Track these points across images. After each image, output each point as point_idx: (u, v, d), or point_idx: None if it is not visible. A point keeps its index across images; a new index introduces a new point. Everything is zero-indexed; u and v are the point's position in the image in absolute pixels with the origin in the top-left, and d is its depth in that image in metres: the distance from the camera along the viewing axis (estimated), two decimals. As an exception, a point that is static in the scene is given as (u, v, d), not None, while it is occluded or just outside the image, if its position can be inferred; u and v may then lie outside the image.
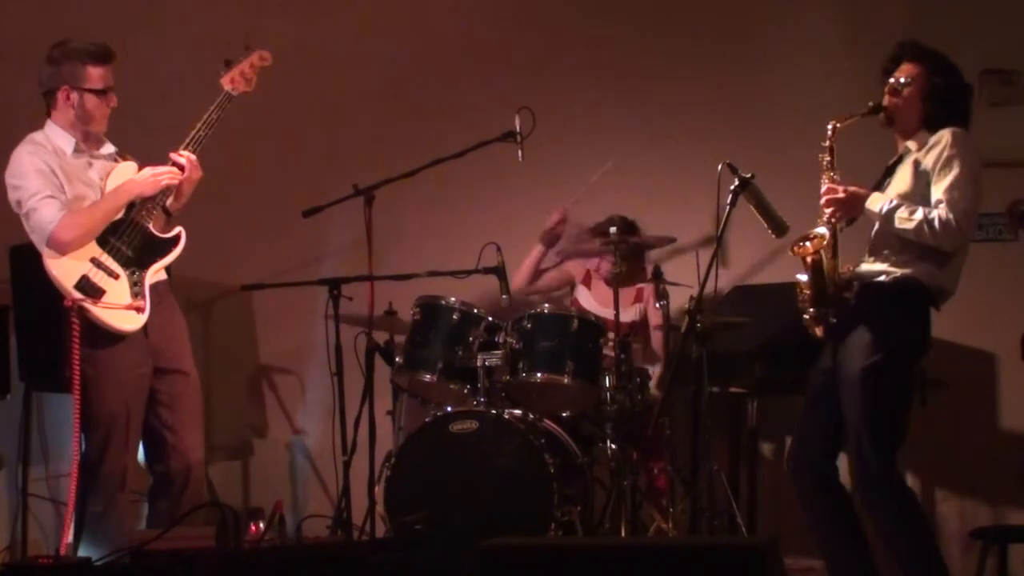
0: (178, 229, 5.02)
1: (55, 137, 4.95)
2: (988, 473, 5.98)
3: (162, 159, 5.02)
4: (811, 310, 4.66)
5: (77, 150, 4.97)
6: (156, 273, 4.95)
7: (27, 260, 5.11)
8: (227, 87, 5.18)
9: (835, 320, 4.63)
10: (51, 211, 4.81)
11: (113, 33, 6.32)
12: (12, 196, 4.89)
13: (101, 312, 4.78)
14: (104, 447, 4.85)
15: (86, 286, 4.79)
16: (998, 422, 6.06)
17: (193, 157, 5.00)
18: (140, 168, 5.02)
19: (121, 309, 4.82)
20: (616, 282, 5.56)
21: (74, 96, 4.93)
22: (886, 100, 4.73)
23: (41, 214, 4.82)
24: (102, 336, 4.80)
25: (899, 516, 4.60)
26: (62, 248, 4.80)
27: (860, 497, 4.68)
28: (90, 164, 4.99)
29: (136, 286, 4.87)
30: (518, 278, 6.01)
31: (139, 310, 4.85)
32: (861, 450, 4.59)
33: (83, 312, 4.74)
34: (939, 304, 4.68)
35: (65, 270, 4.80)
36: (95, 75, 4.94)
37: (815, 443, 4.76)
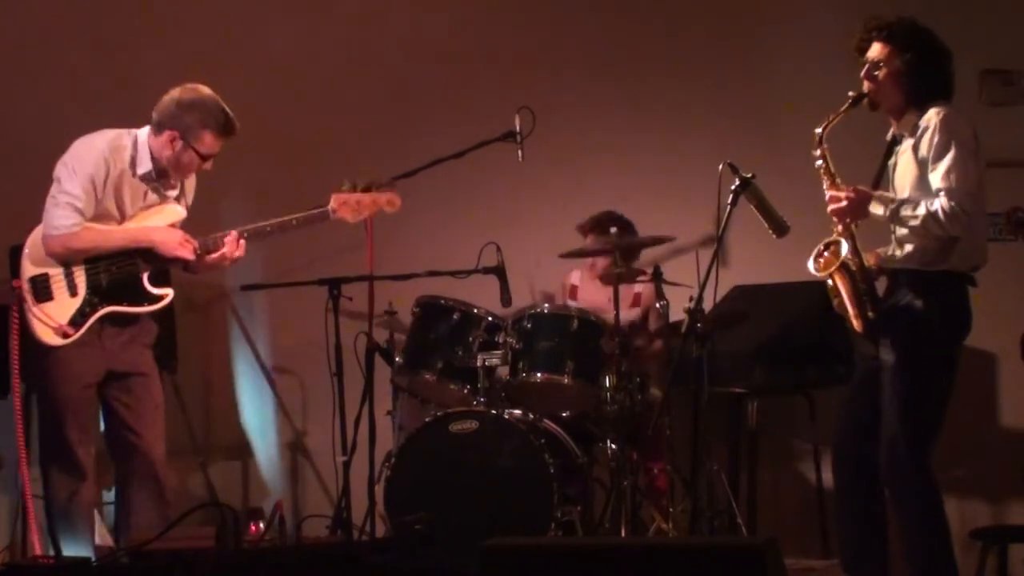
0: (167, 292, 4.94)
1: (140, 154, 4.90)
2: (988, 473, 5.98)
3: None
4: (848, 312, 4.61)
5: (147, 177, 4.93)
6: (117, 312, 4.88)
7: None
8: (332, 205, 5.02)
9: (873, 315, 4.59)
10: (66, 220, 4.82)
11: (112, 31, 6.35)
12: (57, 171, 4.87)
13: (30, 315, 4.80)
14: (63, 438, 4.87)
15: (39, 285, 4.82)
16: (998, 422, 6.06)
17: (238, 250, 4.93)
18: (187, 209, 5.03)
19: (49, 325, 4.80)
20: (616, 281, 5.56)
21: (178, 145, 4.88)
22: (865, 87, 4.68)
23: (57, 214, 4.83)
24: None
25: (919, 516, 4.58)
26: (49, 253, 4.83)
27: (886, 488, 4.65)
28: (146, 193, 4.95)
29: (81, 314, 4.83)
30: None
31: (65, 335, 4.81)
32: (893, 442, 4.56)
33: (20, 302, 4.77)
34: (975, 280, 4.65)
35: (36, 260, 4.83)
36: (208, 142, 4.88)
37: (859, 427, 4.71)
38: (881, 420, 4.61)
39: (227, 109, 4.90)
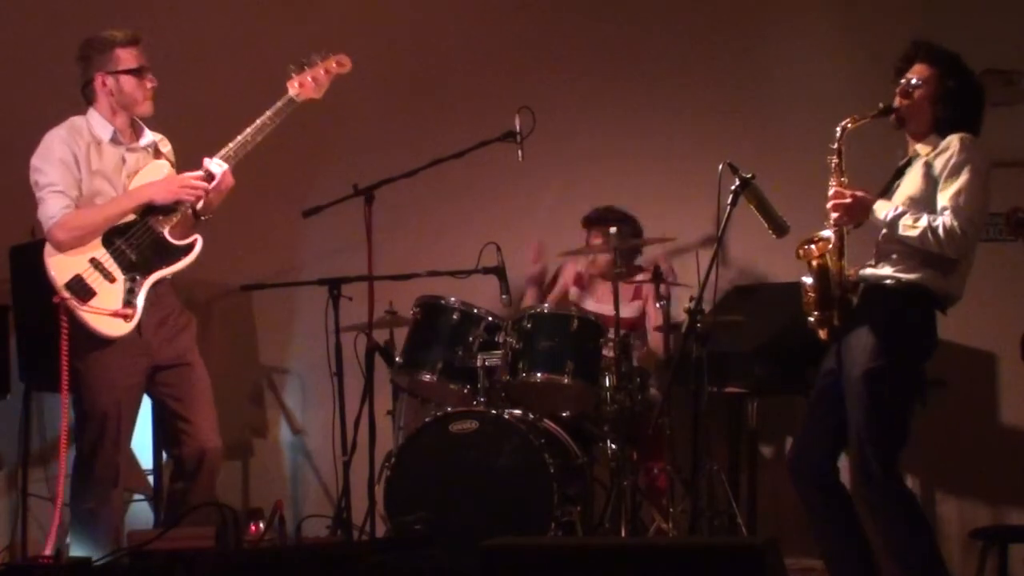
0: (194, 237, 4.94)
1: (95, 123, 4.92)
2: (988, 473, 5.98)
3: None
4: (815, 313, 4.64)
5: (115, 140, 4.93)
6: (160, 278, 4.90)
7: (27, 260, 5.11)
8: (292, 91, 5.08)
9: (839, 323, 4.62)
10: (55, 206, 4.79)
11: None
12: (32, 176, 4.87)
13: (86, 315, 4.76)
14: (96, 445, 4.85)
15: (77, 286, 4.76)
16: (998, 422, 6.06)
17: (226, 166, 4.92)
18: (173, 167, 5.01)
19: (107, 315, 4.78)
20: (616, 280, 5.56)
21: (110, 81, 4.90)
22: (897, 101, 4.68)
23: (46, 206, 4.81)
24: (94, 336, 4.79)
25: (900, 519, 4.59)
26: (57, 246, 4.79)
27: (862, 499, 4.67)
28: (124, 159, 4.95)
29: (130, 293, 4.81)
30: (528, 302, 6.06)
31: (126, 318, 4.79)
32: (862, 453, 4.57)
33: (70, 311, 4.74)
34: (945, 309, 4.67)
35: (61, 266, 4.78)
36: (126, 56, 4.91)
37: (816, 444, 4.74)
38: (839, 433, 4.62)
39: (117, 29, 4.95)
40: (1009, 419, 6.05)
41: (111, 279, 4.81)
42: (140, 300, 4.83)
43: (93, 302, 4.77)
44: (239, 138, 4.97)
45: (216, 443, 4.97)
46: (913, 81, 4.67)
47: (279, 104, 5.05)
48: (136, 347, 4.85)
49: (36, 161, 4.87)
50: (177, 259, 4.92)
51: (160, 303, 4.92)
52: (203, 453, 4.92)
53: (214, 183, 4.92)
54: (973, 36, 5.80)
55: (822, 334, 4.66)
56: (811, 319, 4.66)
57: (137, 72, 4.93)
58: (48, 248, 4.81)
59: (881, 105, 4.70)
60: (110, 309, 4.77)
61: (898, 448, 4.60)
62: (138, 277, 4.84)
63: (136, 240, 4.86)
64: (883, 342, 4.56)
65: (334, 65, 5.17)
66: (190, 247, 4.94)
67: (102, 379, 4.82)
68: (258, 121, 5.00)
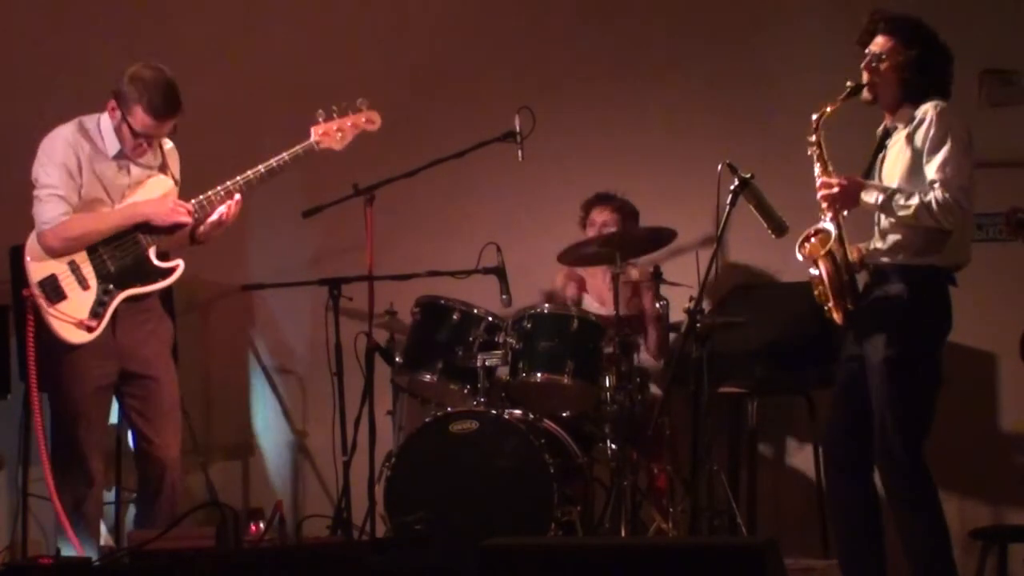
0: (177, 262, 4.92)
1: (106, 133, 4.87)
2: (988, 473, 5.98)
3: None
4: (831, 303, 4.63)
5: (120, 155, 4.89)
6: (133, 295, 4.87)
7: (27, 260, 5.10)
8: (315, 137, 5.02)
9: (853, 307, 4.61)
10: (52, 211, 4.79)
11: (113, 28, 6.35)
12: (34, 171, 4.85)
13: (50, 317, 4.76)
14: (71, 443, 4.86)
15: (49, 286, 4.78)
16: (998, 422, 6.06)
17: (233, 204, 4.89)
18: (177, 184, 4.99)
19: (70, 322, 4.77)
20: (616, 283, 5.56)
21: (116, 115, 4.83)
22: (864, 77, 4.68)
23: (43, 209, 4.81)
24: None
25: (918, 509, 4.58)
26: (48, 251, 4.80)
27: (883, 485, 4.65)
28: (128, 171, 4.92)
29: (100, 304, 4.80)
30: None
31: (89, 329, 4.78)
32: (887, 439, 4.57)
33: (36, 309, 4.73)
34: (955, 278, 4.66)
35: (39, 263, 4.80)
36: (139, 119, 4.79)
37: (848, 432, 4.71)
38: (869, 420, 4.62)
39: (171, 93, 4.79)
40: (1009, 419, 6.04)
41: (85, 286, 4.81)
42: (108, 313, 4.81)
43: (61, 305, 4.78)
44: (250, 174, 4.93)
45: (175, 458, 4.95)
46: (876, 53, 4.66)
47: (298, 149, 5.00)
48: (108, 349, 4.85)
49: (41, 154, 4.85)
50: (154, 281, 4.90)
51: (138, 307, 4.90)
52: (163, 471, 4.92)
53: (216, 215, 4.91)
54: (972, 36, 5.80)
55: (838, 318, 4.64)
56: (826, 308, 4.64)
57: (135, 133, 4.83)
58: (33, 244, 4.81)
59: (849, 84, 4.69)
60: (75, 318, 4.78)
61: (923, 434, 4.59)
62: (112, 288, 4.83)
63: (120, 253, 4.84)
64: (901, 328, 4.55)
65: (363, 120, 5.12)
66: (170, 271, 4.92)
67: (73, 379, 4.82)
68: (273, 162, 4.96)
